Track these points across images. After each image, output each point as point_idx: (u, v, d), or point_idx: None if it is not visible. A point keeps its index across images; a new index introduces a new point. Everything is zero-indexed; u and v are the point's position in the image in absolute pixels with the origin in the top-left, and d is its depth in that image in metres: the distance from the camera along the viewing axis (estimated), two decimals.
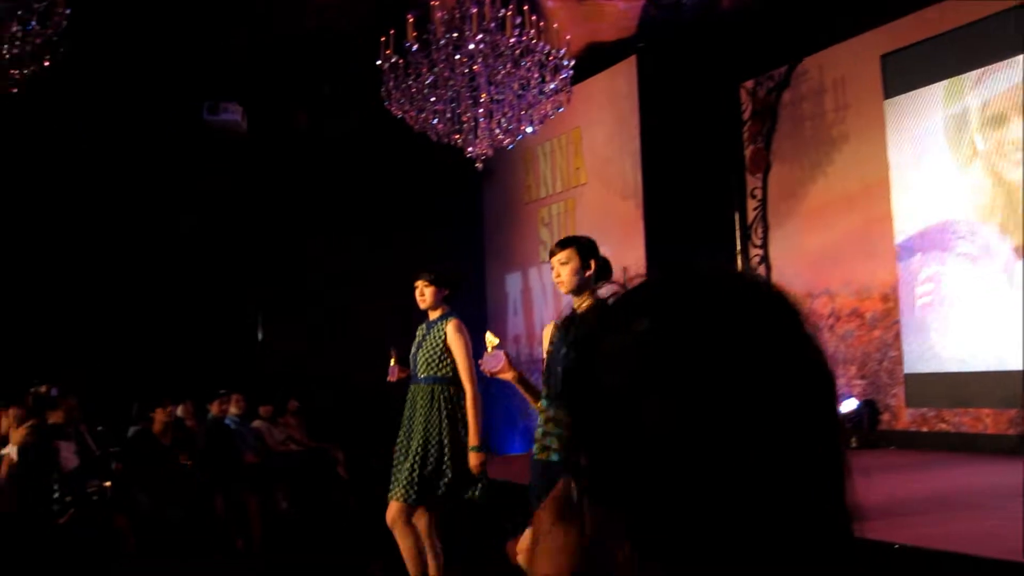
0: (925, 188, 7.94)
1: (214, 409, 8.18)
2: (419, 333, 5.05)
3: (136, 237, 10.25)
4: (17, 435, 4.64)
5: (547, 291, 10.75)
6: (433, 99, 6.89)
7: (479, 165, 7.40)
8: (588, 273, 3.90)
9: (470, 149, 7.20)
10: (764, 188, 9.53)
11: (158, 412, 7.00)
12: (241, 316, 10.55)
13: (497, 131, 7.10)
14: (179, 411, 7.53)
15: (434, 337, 4.93)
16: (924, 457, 7.41)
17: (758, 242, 9.56)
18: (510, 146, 7.51)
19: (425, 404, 4.88)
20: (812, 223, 8.96)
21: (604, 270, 3.96)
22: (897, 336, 8.17)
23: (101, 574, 4.97)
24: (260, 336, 10.49)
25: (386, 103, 7.06)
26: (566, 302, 4.29)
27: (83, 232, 10.01)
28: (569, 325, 3.73)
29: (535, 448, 3.85)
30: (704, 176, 9.21)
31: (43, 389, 4.85)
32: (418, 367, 4.96)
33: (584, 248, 3.95)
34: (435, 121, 7.05)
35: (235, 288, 10.44)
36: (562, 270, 3.90)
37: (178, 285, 10.44)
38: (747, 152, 9.68)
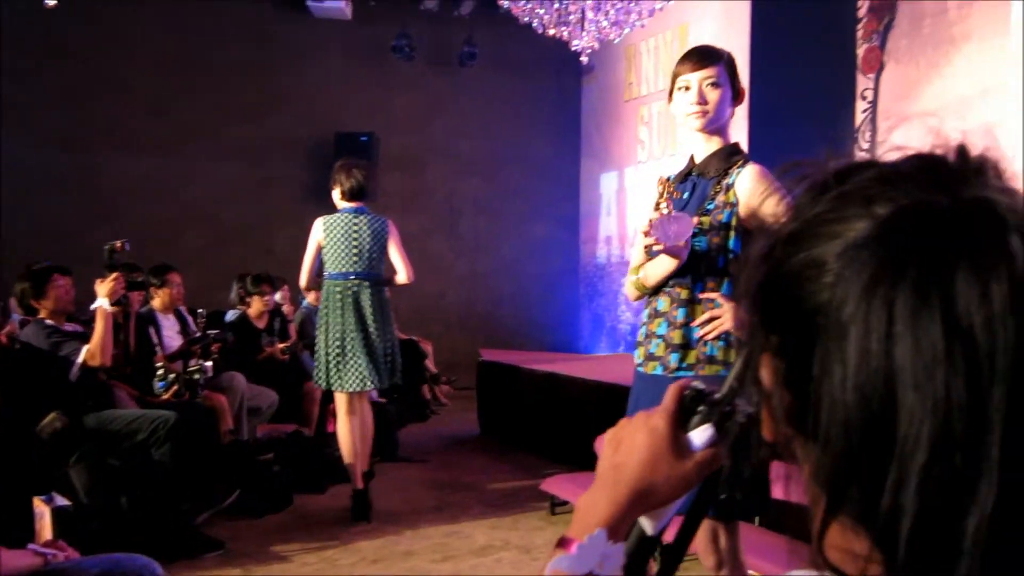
0: None
1: (308, 297, 8.27)
2: None
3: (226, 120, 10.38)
4: (104, 288, 4.71)
5: (643, 192, 10.58)
6: None
7: (584, 59, 7.22)
8: (735, 106, 2.77)
9: (576, 42, 7.03)
10: (876, 89, 9.15)
11: (255, 299, 7.09)
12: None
13: (604, 23, 6.90)
14: (277, 296, 7.61)
15: None
16: None
17: (865, 145, 9.22)
18: (616, 40, 7.30)
19: None
20: (924, 126, 8.57)
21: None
22: None
23: (199, 451, 5.11)
24: None
25: None
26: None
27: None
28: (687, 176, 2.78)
29: (640, 355, 2.80)
30: (813, 76, 8.87)
31: (119, 245, 4.89)
32: None
33: (735, 70, 2.76)
34: (541, 12, 6.87)
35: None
36: (710, 93, 2.68)
37: (280, 173, 10.58)
38: (860, 51, 9.29)
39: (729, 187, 2.65)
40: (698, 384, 0.91)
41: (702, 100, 2.65)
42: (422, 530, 5.03)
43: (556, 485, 5.31)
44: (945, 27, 8.46)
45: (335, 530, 4.93)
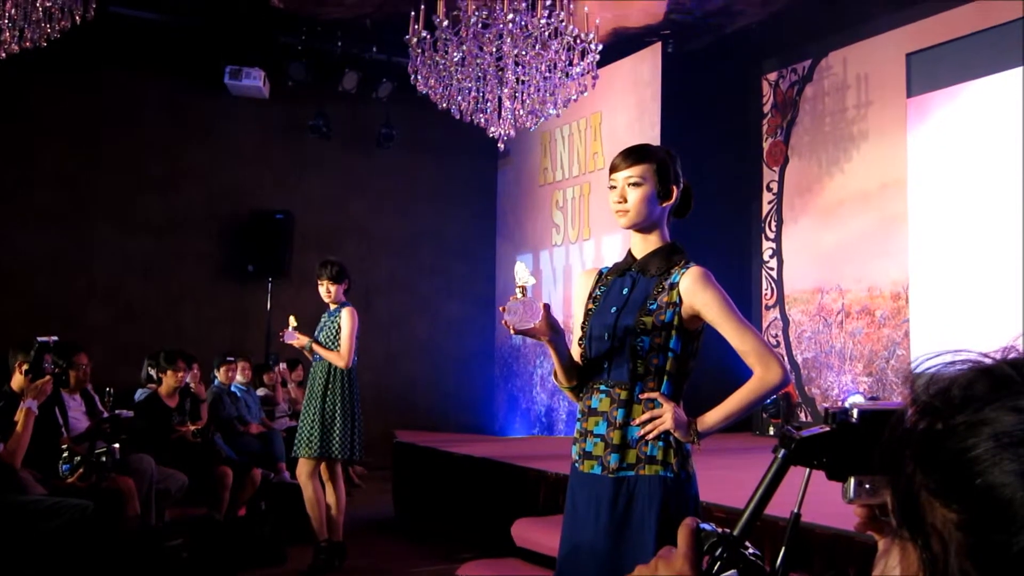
0: (944, 188, 7.94)
1: (221, 376, 8.14)
2: (322, 320, 5.89)
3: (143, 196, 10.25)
4: (34, 391, 4.62)
5: (557, 275, 10.74)
6: (460, 77, 6.87)
7: (501, 145, 7.38)
8: (665, 205, 2.70)
9: (493, 129, 7.18)
10: (780, 182, 9.54)
11: (168, 374, 6.94)
12: (251, 282, 10.55)
13: (521, 112, 7.08)
14: (187, 376, 7.48)
15: (332, 323, 5.79)
16: None
17: (771, 235, 9.57)
18: (532, 128, 7.49)
19: (322, 379, 5.74)
20: (826, 219, 8.97)
21: (685, 204, 2.79)
22: (907, 335, 8.18)
23: (105, 536, 4.95)
24: (269, 305, 10.48)
25: (412, 78, 7.03)
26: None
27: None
28: (626, 272, 2.74)
29: (575, 452, 2.71)
30: (721, 167, 9.21)
31: (51, 343, 4.83)
32: None
33: (666, 168, 2.70)
34: (459, 99, 7.03)
35: (246, 255, 10.44)
36: (630, 193, 2.66)
37: (192, 250, 10.44)
38: (765, 145, 9.69)
39: (672, 286, 2.62)
40: (706, 525, 0.95)
41: (621, 199, 2.67)
42: None
43: (472, 570, 5.28)
44: (845, 125, 8.90)
45: None
